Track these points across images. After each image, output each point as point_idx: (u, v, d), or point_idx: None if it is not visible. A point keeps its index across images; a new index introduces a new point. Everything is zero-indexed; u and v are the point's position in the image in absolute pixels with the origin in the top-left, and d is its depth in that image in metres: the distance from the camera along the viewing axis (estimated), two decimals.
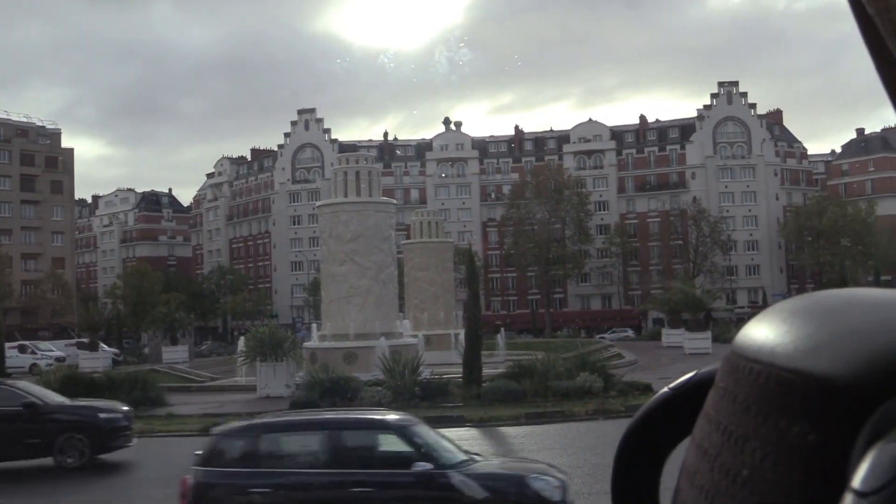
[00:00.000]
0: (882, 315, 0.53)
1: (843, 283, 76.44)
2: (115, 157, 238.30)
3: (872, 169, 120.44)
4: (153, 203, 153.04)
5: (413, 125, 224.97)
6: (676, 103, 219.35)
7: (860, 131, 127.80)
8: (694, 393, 0.73)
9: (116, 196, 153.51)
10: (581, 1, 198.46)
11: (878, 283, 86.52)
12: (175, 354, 64.65)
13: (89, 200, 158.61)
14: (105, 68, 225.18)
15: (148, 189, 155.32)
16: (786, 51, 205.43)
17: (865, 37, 0.59)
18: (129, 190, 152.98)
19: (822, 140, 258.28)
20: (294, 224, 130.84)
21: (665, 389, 0.78)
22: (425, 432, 12.58)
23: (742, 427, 0.55)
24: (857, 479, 0.42)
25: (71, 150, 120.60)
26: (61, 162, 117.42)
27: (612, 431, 19.62)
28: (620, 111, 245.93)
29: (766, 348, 0.57)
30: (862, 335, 0.50)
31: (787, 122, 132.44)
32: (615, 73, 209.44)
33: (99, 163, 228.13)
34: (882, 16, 0.55)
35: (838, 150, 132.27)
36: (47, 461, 21.06)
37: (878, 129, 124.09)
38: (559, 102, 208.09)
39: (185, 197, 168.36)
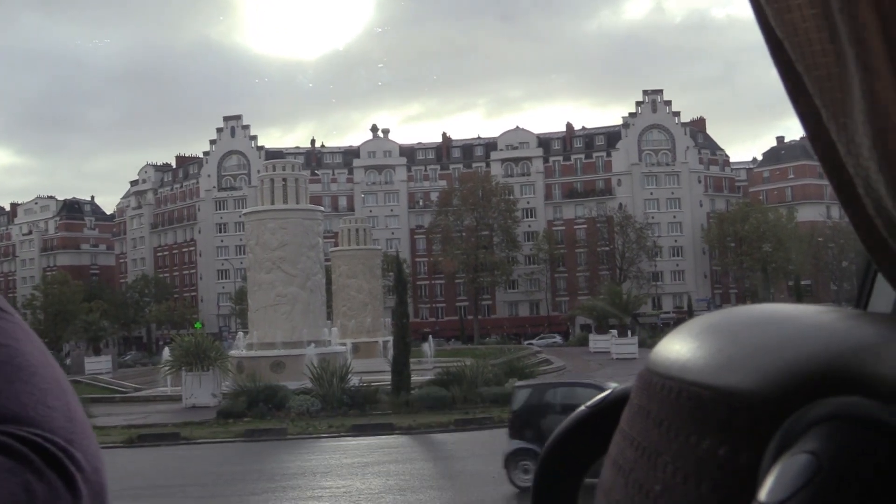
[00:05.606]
0: (789, 330, 0.54)
1: (765, 288, 78.00)
2: (26, 166, 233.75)
3: (792, 176, 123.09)
4: (75, 211, 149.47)
5: (327, 131, 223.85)
6: (586, 113, 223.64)
7: (780, 139, 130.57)
8: (611, 410, 0.73)
9: (36, 204, 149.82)
10: (455, 15, 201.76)
11: (798, 287, 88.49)
12: (98, 365, 63.41)
13: (7, 208, 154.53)
14: (7, 78, 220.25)
15: (70, 197, 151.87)
16: (692, 62, 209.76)
17: (775, 58, 0.61)
18: (50, 198, 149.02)
19: (744, 147, 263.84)
20: (220, 232, 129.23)
21: (582, 408, 0.79)
22: None
23: (655, 443, 0.56)
24: (764, 492, 0.42)
25: None
26: None
27: None
28: (547, 119, 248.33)
29: (678, 364, 0.58)
30: (769, 350, 0.51)
31: (710, 130, 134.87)
32: (519, 85, 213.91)
33: (9, 172, 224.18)
34: (791, 39, 0.57)
35: (759, 157, 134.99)
36: None
37: (796, 138, 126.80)
38: (466, 112, 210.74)
39: (109, 205, 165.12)
